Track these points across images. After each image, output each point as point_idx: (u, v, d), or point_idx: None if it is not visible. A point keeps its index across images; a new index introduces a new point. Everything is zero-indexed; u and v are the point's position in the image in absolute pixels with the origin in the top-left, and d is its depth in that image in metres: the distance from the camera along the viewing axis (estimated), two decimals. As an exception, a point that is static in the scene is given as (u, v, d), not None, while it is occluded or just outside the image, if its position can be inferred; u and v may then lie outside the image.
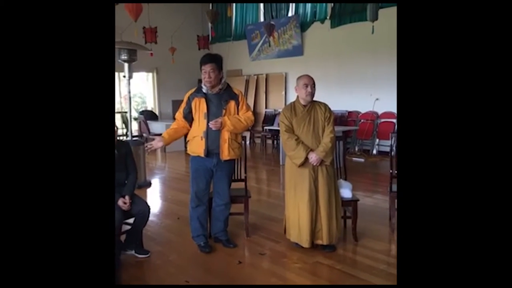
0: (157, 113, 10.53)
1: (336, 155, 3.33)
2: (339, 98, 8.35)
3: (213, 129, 3.03)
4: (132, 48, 5.46)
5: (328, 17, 8.79)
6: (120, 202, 2.90)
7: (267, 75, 10.26)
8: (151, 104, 10.97)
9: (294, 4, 9.49)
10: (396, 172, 3.41)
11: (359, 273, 2.79)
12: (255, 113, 9.58)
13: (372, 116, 8.11)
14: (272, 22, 9.17)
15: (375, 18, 6.46)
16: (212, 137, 3.06)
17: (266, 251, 3.22)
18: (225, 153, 3.09)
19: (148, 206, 3.06)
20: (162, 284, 2.72)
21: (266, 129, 8.99)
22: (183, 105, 3.17)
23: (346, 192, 3.28)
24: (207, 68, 3.01)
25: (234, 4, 10.44)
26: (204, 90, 3.10)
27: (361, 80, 8.29)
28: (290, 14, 9.56)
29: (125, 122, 9.58)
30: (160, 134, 3.30)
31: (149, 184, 5.78)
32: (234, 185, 3.44)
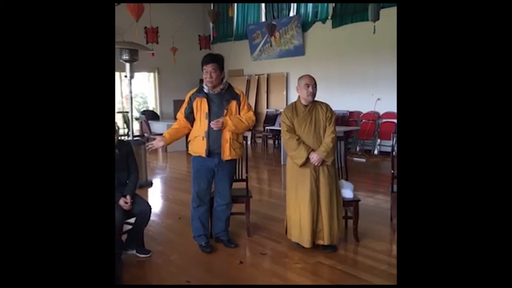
0: (158, 113, 10.55)
1: (338, 155, 3.32)
2: (341, 98, 8.34)
3: (215, 129, 3.03)
4: (133, 48, 5.47)
5: (329, 17, 8.79)
6: (121, 201, 2.90)
7: (268, 75, 10.25)
8: (152, 104, 10.98)
9: (295, 4, 9.48)
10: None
11: (360, 274, 2.78)
12: (256, 113, 9.58)
13: (374, 116, 8.10)
14: (274, 22, 9.17)
15: (376, 18, 6.46)
16: (213, 137, 3.06)
17: (267, 251, 3.22)
18: (227, 153, 3.09)
19: (149, 206, 3.07)
20: (163, 283, 2.72)
21: (267, 129, 8.99)
22: (185, 105, 3.17)
23: (347, 192, 3.28)
24: (208, 68, 3.01)
25: (235, 4, 10.44)
26: (205, 90, 3.10)
27: (362, 80, 8.28)
28: (291, 14, 9.56)
29: (127, 122, 9.60)
30: (161, 134, 3.30)
31: (150, 184, 5.78)
32: (236, 185, 3.44)
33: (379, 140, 8.06)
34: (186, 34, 10.27)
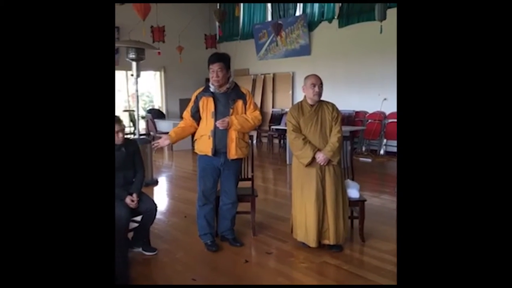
0: (164, 111, 10.58)
1: (343, 155, 3.32)
2: (347, 98, 8.31)
3: (220, 128, 3.03)
4: (140, 47, 5.49)
5: (336, 17, 8.76)
6: (128, 200, 2.92)
7: (274, 74, 10.25)
8: (158, 103, 11.02)
9: (301, 4, 9.47)
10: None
11: (366, 274, 2.78)
12: (262, 112, 9.46)
13: (380, 116, 8.07)
14: (280, 22, 9.16)
15: (383, 17, 6.42)
16: (219, 136, 3.07)
17: (273, 250, 3.22)
18: (233, 152, 3.09)
19: (155, 204, 3.08)
20: (169, 281, 2.73)
21: (273, 129, 8.98)
22: (191, 104, 3.18)
23: (353, 192, 3.27)
24: (214, 67, 3.01)
25: (241, 4, 10.43)
26: (211, 89, 3.11)
27: (369, 80, 8.25)
28: (297, 14, 9.54)
29: (133, 120, 9.65)
30: (167, 133, 3.31)
31: (156, 182, 5.81)
32: (241, 184, 3.44)
33: (385, 140, 8.03)
34: (192, 33, 10.30)
